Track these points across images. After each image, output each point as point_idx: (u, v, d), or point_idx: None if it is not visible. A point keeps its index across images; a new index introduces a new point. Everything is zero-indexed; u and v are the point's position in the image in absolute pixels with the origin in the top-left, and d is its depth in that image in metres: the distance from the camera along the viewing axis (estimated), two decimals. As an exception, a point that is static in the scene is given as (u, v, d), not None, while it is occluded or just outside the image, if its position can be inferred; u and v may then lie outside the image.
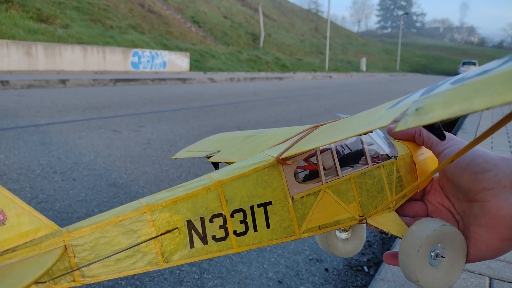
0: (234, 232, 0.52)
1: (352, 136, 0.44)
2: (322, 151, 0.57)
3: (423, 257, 0.50)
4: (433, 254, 0.51)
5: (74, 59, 13.66)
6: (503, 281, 1.30)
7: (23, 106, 5.63)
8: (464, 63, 37.58)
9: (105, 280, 0.46)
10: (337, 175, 0.55)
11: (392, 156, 0.60)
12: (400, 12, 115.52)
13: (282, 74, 20.72)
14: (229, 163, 0.68)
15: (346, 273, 1.56)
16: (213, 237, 0.51)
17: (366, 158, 0.58)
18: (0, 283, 0.40)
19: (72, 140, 3.58)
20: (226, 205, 0.52)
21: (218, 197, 0.52)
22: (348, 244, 0.68)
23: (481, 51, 72.10)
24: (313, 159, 0.58)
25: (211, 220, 0.51)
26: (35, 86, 8.69)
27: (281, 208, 0.54)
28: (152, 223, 0.49)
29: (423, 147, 0.63)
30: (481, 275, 1.33)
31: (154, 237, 0.48)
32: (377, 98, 10.02)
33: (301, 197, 0.54)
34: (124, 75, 12.62)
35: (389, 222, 0.57)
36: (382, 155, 0.59)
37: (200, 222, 0.51)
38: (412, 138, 0.62)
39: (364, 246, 1.81)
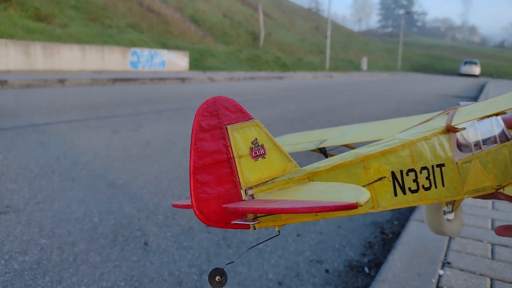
0: (423, 186, 0.60)
1: None
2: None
3: None
4: None
5: (72, 58, 13.61)
6: (505, 281, 1.29)
7: (21, 105, 5.61)
8: (465, 63, 37.40)
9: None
10: (480, 148, 0.65)
11: (511, 138, 0.69)
12: (401, 11, 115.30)
13: (283, 74, 20.68)
14: (347, 146, 0.82)
15: (347, 274, 1.55)
16: (409, 189, 0.59)
17: (496, 137, 0.68)
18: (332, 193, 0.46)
19: (71, 140, 3.57)
20: (416, 162, 0.60)
21: (410, 154, 0.60)
22: (452, 224, 0.78)
23: (482, 50, 71.91)
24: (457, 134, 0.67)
25: (407, 174, 0.59)
26: (34, 85, 8.66)
27: (450, 170, 0.63)
28: (368, 170, 0.56)
29: None
30: (483, 275, 1.32)
31: (371, 183, 0.56)
32: (379, 97, 10.00)
33: (461, 163, 0.64)
34: (123, 75, 12.58)
35: None
36: (501, 137, 0.69)
37: (400, 174, 0.58)
38: None
39: (364, 247, 1.80)
